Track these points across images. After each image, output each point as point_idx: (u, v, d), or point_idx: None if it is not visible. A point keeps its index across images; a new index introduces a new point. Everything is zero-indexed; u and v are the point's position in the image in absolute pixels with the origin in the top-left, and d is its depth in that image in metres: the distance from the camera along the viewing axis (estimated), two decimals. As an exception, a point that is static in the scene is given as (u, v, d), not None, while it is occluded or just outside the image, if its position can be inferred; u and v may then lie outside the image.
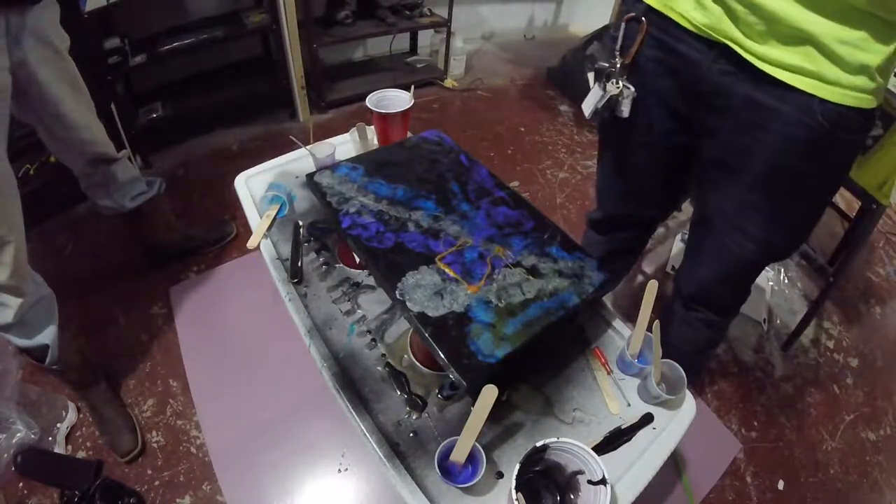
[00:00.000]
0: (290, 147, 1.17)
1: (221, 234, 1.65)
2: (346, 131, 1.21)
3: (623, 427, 0.77)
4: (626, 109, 0.80)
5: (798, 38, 0.60)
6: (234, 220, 1.72)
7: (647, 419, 0.78)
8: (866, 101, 0.62)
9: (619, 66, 0.78)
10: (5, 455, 1.07)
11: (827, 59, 0.59)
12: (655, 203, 1.08)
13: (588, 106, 0.82)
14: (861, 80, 0.60)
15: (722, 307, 1.03)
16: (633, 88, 0.79)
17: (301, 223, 1.02)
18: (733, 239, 0.83)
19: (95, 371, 1.19)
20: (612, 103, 0.80)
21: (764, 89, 0.66)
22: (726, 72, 0.69)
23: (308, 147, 1.09)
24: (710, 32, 0.68)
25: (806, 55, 0.60)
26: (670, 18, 0.72)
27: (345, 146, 1.21)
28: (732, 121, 0.72)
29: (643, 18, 0.75)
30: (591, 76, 0.82)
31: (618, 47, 0.79)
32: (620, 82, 0.78)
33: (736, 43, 0.66)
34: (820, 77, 0.61)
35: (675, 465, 1.22)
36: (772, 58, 0.63)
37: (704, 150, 0.82)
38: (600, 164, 1.06)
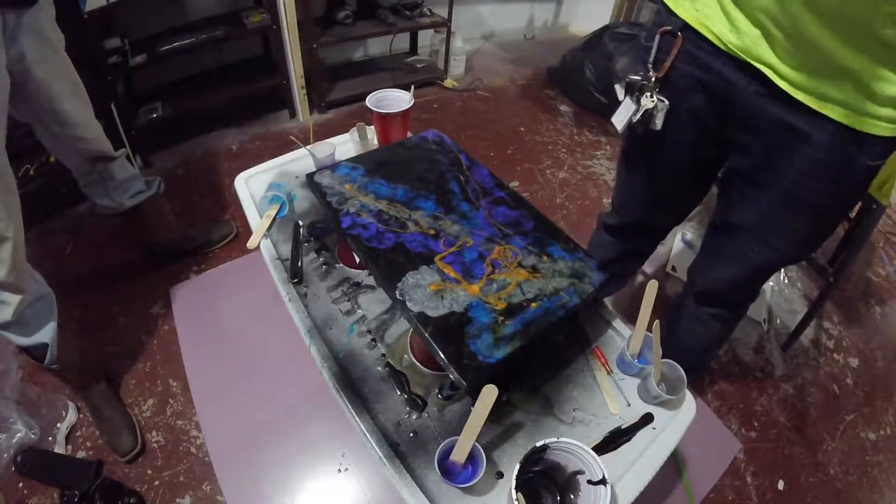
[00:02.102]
0: (290, 147, 1.17)
1: (221, 233, 1.65)
2: (346, 131, 1.21)
3: (623, 427, 0.77)
4: (659, 122, 0.80)
5: (835, 70, 0.60)
6: (234, 220, 1.72)
7: (647, 419, 0.78)
8: (891, 130, 0.63)
9: (652, 79, 0.78)
10: (5, 455, 1.07)
11: (860, 92, 0.61)
12: (674, 212, 1.10)
13: (620, 120, 0.82)
14: (889, 112, 0.61)
15: (734, 305, 1.05)
16: (666, 102, 0.79)
17: (301, 223, 1.02)
18: (753, 247, 0.86)
19: (95, 371, 1.19)
20: (646, 117, 0.80)
21: (796, 114, 0.67)
22: (760, 94, 0.69)
23: (308, 147, 1.09)
24: (745, 56, 0.68)
25: (840, 87, 0.61)
26: (705, 37, 0.72)
27: (345, 146, 1.21)
28: (764, 139, 0.73)
29: (678, 33, 0.75)
30: (620, 89, 0.81)
31: (651, 60, 0.79)
32: (654, 96, 0.78)
33: (770, 68, 0.66)
34: (853, 108, 0.62)
35: (675, 465, 1.22)
36: (806, 86, 0.64)
37: (733, 163, 0.84)
38: (623, 172, 1.07)
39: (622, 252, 1.21)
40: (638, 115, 0.79)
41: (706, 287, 1.03)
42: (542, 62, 2.98)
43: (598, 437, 0.75)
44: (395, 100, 1.13)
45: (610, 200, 2.05)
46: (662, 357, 0.78)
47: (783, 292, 1.76)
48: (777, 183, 0.75)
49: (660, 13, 0.80)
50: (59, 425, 1.15)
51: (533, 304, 0.74)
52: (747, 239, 0.86)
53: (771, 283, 1.76)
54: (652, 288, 0.81)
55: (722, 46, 0.70)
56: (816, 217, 0.78)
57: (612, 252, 1.21)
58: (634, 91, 0.80)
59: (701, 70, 0.75)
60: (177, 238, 1.55)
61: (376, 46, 2.75)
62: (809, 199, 0.74)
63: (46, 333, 1.04)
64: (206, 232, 1.63)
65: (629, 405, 0.81)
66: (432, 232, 0.84)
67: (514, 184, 2.07)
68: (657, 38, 0.77)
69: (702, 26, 0.72)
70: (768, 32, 0.64)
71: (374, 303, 0.92)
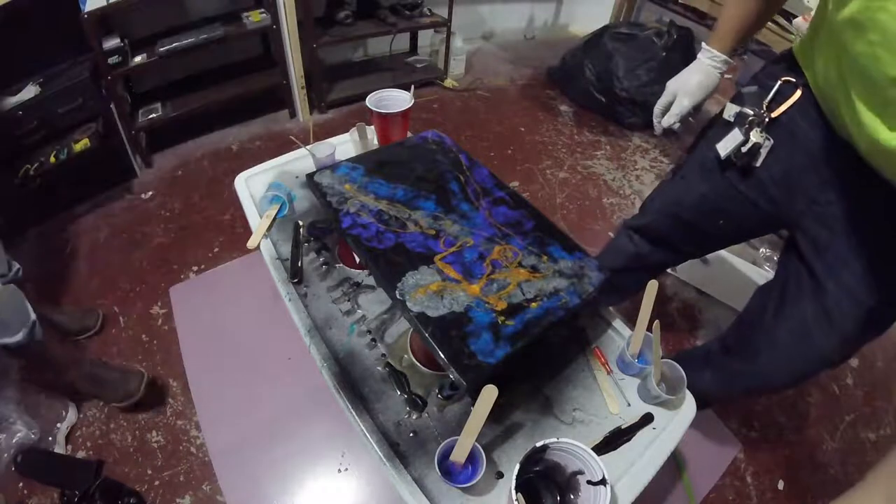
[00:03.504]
0: (290, 147, 1.17)
1: (84, 324, 1.38)
2: (346, 131, 1.21)
3: (623, 427, 0.77)
4: (761, 159, 0.81)
5: None
6: (102, 307, 1.44)
7: (647, 419, 0.78)
8: None
9: (766, 118, 0.79)
10: (5, 455, 1.07)
11: None
12: (702, 244, 1.06)
13: (725, 148, 0.82)
14: None
15: None
16: (772, 141, 0.79)
17: (301, 223, 1.02)
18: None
19: (80, 350, 1.21)
20: (752, 151, 0.80)
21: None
22: (863, 184, 0.69)
23: (308, 147, 1.09)
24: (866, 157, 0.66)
25: None
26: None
27: (345, 146, 1.21)
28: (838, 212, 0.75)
29: (800, 87, 0.77)
30: (731, 109, 0.82)
31: (767, 101, 0.80)
32: (763, 132, 0.79)
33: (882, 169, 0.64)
34: None
35: (675, 464, 1.22)
36: None
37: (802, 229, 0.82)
38: (678, 182, 1.01)
39: (636, 260, 1.14)
40: (747, 147, 0.80)
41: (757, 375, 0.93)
42: (542, 62, 2.98)
43: (598, 437, 0.75)
44: (395, 100, 1.13)
45: (610, 201, 2.05)
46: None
47: (783, 292, 1.76)
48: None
49: (784, 58, 0.81)
50: (59, 425, 1.15)
51: (533, 304, 0.74)
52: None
53: (771, 283, 1.76)
54: (652, 288, 0.81)
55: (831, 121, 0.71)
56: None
57: (624, 260, 1.15)
58: (744, 124, 0.80)
59: (809, 128, 0.75)
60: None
61: (376, 46, 2.75)
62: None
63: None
64: (70, 320, 1.37)
65: (629, 405, 0.81)
66: (432, 232, 0.84)
67: (514, 184, 2.07)
68: (779, 84, 0.78)
69: (826, 106, 0.72)
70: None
71: (374, 303, 0.92)
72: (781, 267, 0.90)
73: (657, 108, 0.93)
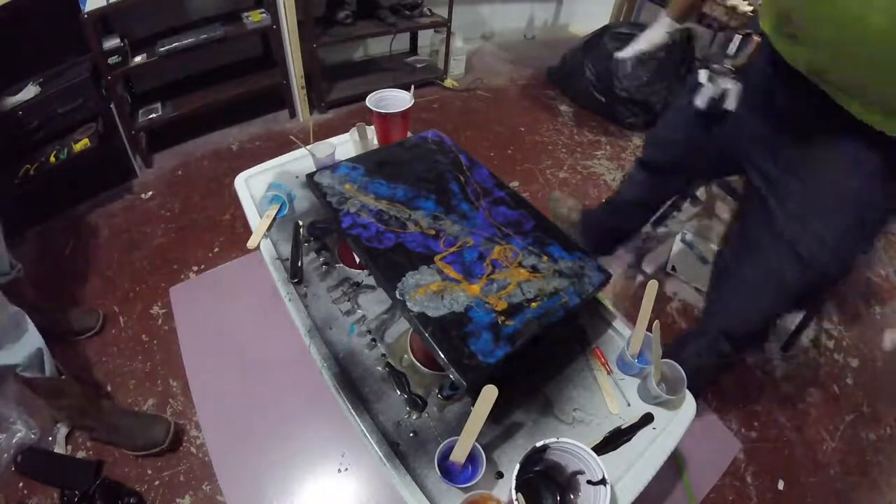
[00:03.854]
0: (290, 147, 1.17)
1: (85, 324, 1.38)
2: (346, 131, 1.21)
3: (623, 427, 0.77)
4: (732, 103, 0.91)
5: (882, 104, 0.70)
6: (103, 307, 1.44)
7: (647, 419, 0.78)
8: None
9: (732, 68, 0.91)
10: (5, 455, 1.07)
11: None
12: (690, 180, 1.27)
13: (702, 98, 0.95)
14: None
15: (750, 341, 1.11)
16: (741, 85, 0.90)
17: (301, 223, 1.02)
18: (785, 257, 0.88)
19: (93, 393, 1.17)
20: (724, 97, 0.92)
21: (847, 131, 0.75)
22: (821, 115, 0.77)
23: (308, 147, 1.09)
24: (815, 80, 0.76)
25: (885, 116, 0.70)
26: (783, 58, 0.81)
27: (345, 146, 1.21)
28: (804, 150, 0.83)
29: (757, 36, 0.88)
30: (703, 74, 0.95)
31: (732, 51, 0.92)
32: (731, 80, 0.91)
33: (836, 96, 0.74)
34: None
35: (675, 465, 1.22)
36: (855, 110, 0.72)
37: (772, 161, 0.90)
38: (671, 113, 1.21)
39: (651, 189, 1.33)
40: (718, 94, 0.92)
41: (731, 316, 1.03)
42: (542, 62, 2.98)
43: (598, 437, 0.75)
44: (395, 100, 1.13)
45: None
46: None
47: (783, 292, 1.76)
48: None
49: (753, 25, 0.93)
50: (58, 425, 1.15)
51: (533, 304, 0.74)
52: (779, 242, 0.87)
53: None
54: (652, 288, 0.81)
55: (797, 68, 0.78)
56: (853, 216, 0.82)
57: (639, 190, 1.35)
58: (715, 76, 0.93)
59: (773, 72, 0.84)
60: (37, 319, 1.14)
61: (376, 46, 2.75)
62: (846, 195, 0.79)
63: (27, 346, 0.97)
64: (70, 319, 1.37)
65: (629, 405, 0.81)
66: (432, 232, 0.84)
67: (514, 184, 2.07)
68: (739, 38, 0.90)
69: (784, 52, 0.81)
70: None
71: (374, 303, 0.92)
72: (740, 217, 1.05)
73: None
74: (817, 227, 0.82)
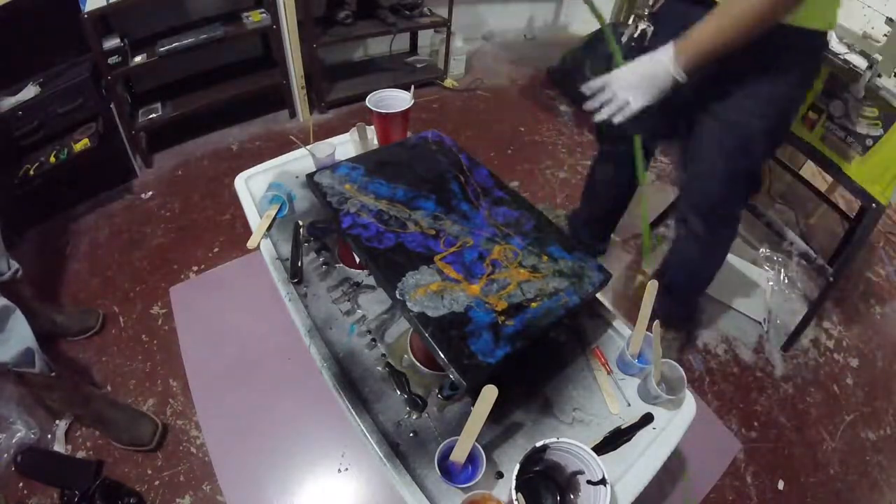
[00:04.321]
0: (290, 147, 1.17)
1: (85, 324, 1.38)
2: (346, 131, 1.21)
3: (623, 427, 0.77)
4: (647, 41, 1.07)
5: None
6: (102, 308, 1.44)
7: (647, 419, 0.78)
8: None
9: (647, 12, 1.05)
10: (5, 455, 1.07)
11: None
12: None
13: (624, 38, 1.10)
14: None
15: (722, 216, 1.17)
16: (653, 27, 1.08)
17: (301, 223, 1.02)
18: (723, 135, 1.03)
19: (84, 384, 1.17)
20: (642, 36, 1.05)
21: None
22: None
23: (308, 147, 1.09)
24: None
25: None
26: None
27: (345, 146, 1.21)
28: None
29: None
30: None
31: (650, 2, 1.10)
32: (647, 21, 1.05)
33: None
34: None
35: (675, 465, 1.21)
36: None
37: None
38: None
39: (611, 167, 1.40)
40: (637, 34, 1.07)
41: (695, 193, 1.16)
42: (542, 62, 2.98)
43: (598, 437, 0.75)
44: (395, 100, 1.13)
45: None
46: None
47: (783, 292, 1.76)
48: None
49: None
50: (58, 423, 1.15)
51: (533, 304, 0.74)
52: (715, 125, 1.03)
53: (771, 283, 1.76)
54: (652, 288, 0.81)
55: None
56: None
57: (608, 169, 1.42)
58: (635, 21, 1.07)
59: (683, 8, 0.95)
60: (39, 324, 1.19)
61: (376, 46, 2.75)
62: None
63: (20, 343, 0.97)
64: (69, 320, 1.37)
65: (629, 405, 0.81)
66: (432, 232, 0.84)
67: (514, 184, 2.07)
68: None
69: None
70: None
71: (374, 303, 0.92)
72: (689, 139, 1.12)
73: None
74: (745, 104, 0.97)
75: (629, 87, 0.90)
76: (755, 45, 0.81)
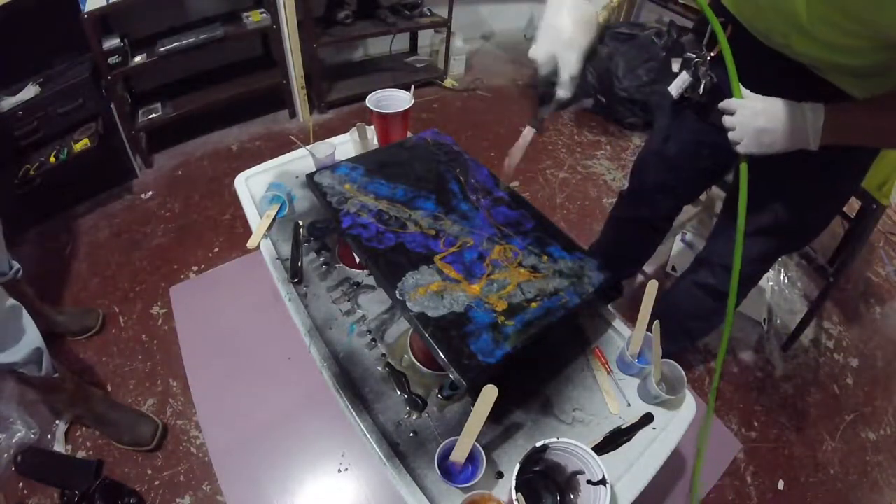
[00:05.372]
0: (290, 147, 1.17)
1: (85, 324, 1.38)
2: (346, 131, 1.21)
3: (623, 427, 0.77)
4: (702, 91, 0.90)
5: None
6: (103, 307, 1.44)
7: (647, 419, 0.78)
8: None
9: (707, 58, 0.87)
10: (5, 455, 1.07)
11: None
12: (680, 193, 1.19)
13: (677, 88, 0.92)
14: None
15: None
16: (714, 77, 0.86)
17: (301, 223, 1.02)
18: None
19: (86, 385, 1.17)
20: (697, 86, 0.89)
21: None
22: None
23: (308, 147, 1.09)
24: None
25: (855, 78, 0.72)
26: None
27: (345, 146, 1.21)
28: None
29: (729, 26, 0.83)
30: (675, 63, 0.93)
31: (705, 42, 0.88)
32: (707, 70, 0.87)
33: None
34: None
35: (679, 464, 1.21)
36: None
37: None
38: (650, 138, 1.16)
39: (631, 225, 1.31)
40: (687, 84, 0.90)
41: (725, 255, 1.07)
42: (542, 62, 2.98)
43: (598, 437, 0.75)
44: (395, 100, 1.13)
45: (610, 201, 2.05)
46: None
47: (783, 292, 1.76)
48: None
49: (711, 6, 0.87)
50: (57, 422, 1.15)
51: (533, 304, 0.74)
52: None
53: (771, 283, 1.76)
54: (652, 288, 0.81)
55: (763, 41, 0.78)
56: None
57: (620, 232, 1.35)
58: (690, 66, 0.88)
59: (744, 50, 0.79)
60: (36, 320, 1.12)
61: (376, 46, 2.75)
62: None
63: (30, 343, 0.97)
64: (70, 319, 1.37)
65: (629, 405, 0.81)
66: (432, 232, 0.84)
67: (514, 184, 2.07)
68: (710, 28, 0.84)
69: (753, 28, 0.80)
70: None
71: (374, 303, 0.92)
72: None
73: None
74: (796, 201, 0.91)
75: (755, 130, 0.76)
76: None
